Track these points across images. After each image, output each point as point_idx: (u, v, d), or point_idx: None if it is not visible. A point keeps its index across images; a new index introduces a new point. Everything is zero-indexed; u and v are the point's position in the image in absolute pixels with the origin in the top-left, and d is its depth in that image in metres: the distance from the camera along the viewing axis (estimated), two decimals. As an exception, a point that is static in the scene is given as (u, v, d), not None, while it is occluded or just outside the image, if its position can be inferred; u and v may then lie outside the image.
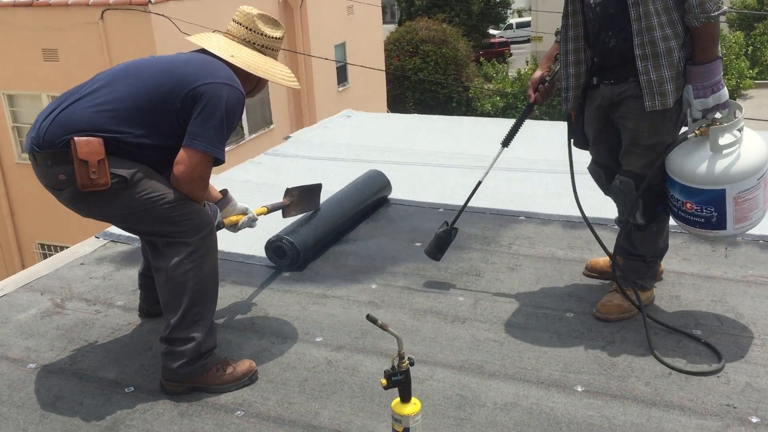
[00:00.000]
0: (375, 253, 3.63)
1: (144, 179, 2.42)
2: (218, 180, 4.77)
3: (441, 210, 4.17)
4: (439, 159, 5.20)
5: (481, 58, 27.71)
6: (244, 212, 3.02)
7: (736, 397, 2.41)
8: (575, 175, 3.06)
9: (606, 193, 3.04)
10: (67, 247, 4.09)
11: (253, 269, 3.50)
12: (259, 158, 5.25)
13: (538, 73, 3.08)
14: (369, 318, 2.05)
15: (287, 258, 3.45)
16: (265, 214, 3.31)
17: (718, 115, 2.59)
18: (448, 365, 2.64)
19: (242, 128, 13.49)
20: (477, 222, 3.96)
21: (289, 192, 3.58)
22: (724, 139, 2.58)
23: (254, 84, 2.72)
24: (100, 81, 2.47)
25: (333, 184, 4.12)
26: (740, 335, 2.76)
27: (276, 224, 3.58)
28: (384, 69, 20.01)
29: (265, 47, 2.67)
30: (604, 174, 2.98)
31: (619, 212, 3.07)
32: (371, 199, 4.13)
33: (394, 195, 4.37)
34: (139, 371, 2.65)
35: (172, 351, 2.47)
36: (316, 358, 2.72)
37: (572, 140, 3.06)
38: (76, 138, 2.31)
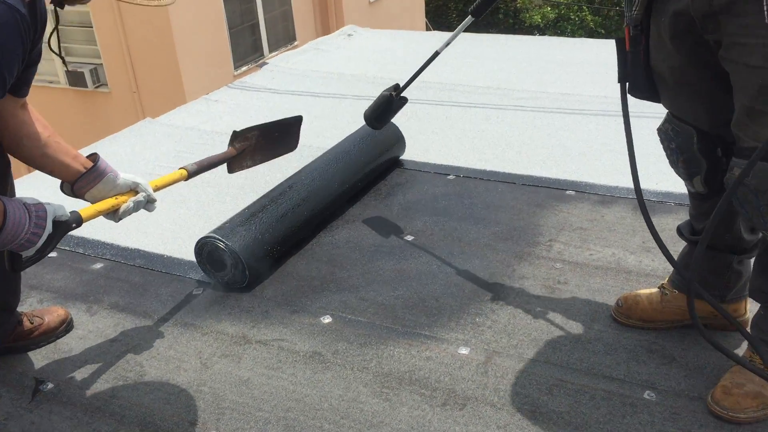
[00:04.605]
0: (342, 255, 2.38)
1: None
2: (153, 126, 3.52)
3: (451, 176, 2.87)
4: (457, 95, 3.83)
5: (532, -36, 25.49)
6: (133, 189, 1.86)
7: None
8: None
9: (695, 183, 1.71)
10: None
11: (149, 279, 2.29)
12: (217, 93, 3.93)
13: None
14: None
15: (227, 272, 2.20)
16: (186, 179, 2.01)
17: None
18: None
19: (262, 47, 11.99)
20: (501, 199, 2.65)
21: (239, 136, 2.18)
22: None
23: None
24: None
25: (307, 136, 2.79)
26: None
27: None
28: (423, -23, 18.17)
29: None
30: (697, 137, 1.64)
31: (747, 226, 1.68)
32: (373, 163, 2.83)
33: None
34: None
35: None
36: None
37: (627, 83, 1.72)
38: None
